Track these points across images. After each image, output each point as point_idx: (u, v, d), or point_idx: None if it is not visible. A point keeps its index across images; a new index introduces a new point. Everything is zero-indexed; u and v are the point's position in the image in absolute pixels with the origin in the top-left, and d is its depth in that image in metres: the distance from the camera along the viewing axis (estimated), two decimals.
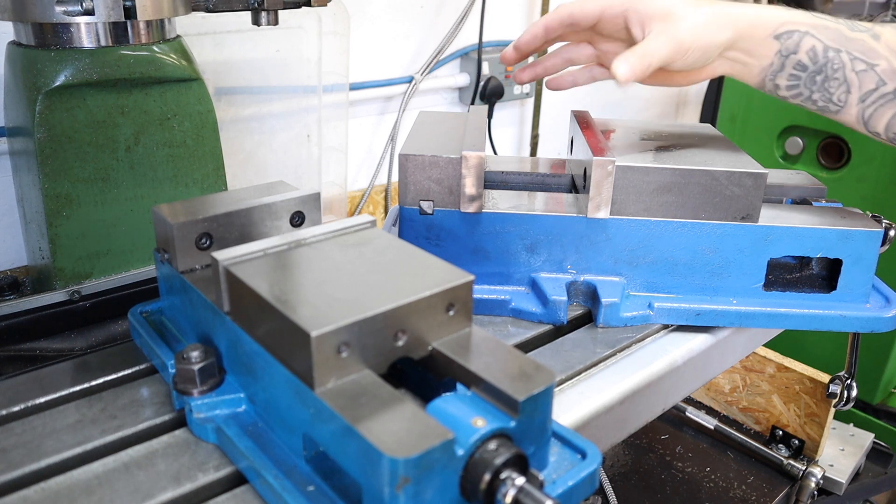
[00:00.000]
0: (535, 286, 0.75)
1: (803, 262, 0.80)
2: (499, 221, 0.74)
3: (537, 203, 0.77)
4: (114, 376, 0.62)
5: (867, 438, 1.39)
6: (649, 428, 1.32)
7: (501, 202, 0.76)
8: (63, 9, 0.70)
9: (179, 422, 0.56)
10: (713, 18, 0.70)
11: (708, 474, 1.23)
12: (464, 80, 1.54)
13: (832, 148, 1.70)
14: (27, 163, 0.77)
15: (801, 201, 0.83)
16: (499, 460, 0.42)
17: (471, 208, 0.73)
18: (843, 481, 1.26)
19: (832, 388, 0.98)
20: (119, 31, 0.74)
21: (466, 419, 0.43)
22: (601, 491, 1.14)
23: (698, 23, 0.69)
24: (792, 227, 0.73)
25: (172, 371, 0.57)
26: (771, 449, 1.24)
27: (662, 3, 0.70)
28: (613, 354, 0.70)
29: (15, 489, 0.49)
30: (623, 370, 0.67)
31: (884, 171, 1.60)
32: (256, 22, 0.87)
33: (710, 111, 2.02)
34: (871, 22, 0.72)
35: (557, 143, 1.83)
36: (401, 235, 0.75)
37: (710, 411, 1.34)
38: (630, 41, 0.74)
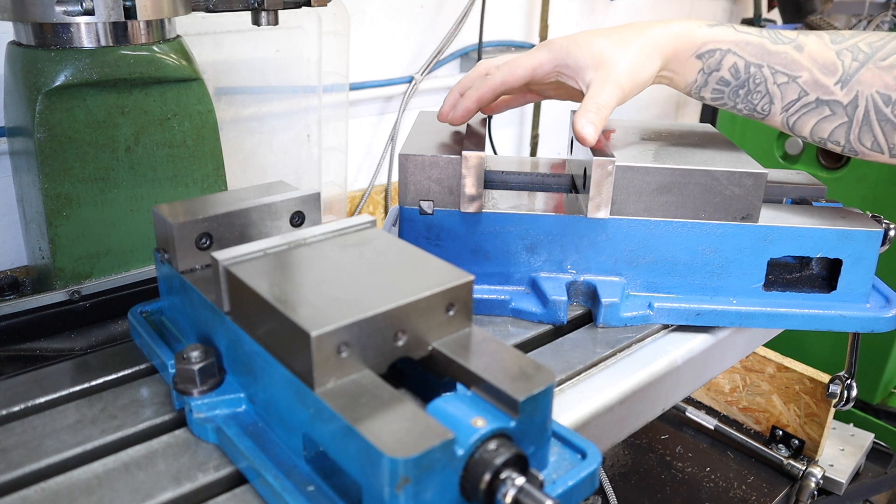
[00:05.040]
0: (535, 286, 0.75)
1: (803, 262, 0.79)
2: (499, 221, 0.74)
3: (537, 203, 0.77)
4: (114, 376, 0.62)
5: (867, 438, 1.39)
6: (649, 428, 1.32)
7: (501, 202, 0.76)
8: (63, 9, 0.70)
9: (179, 422, 0.56)
10: (642, 53, 0.72)
11: (708, 474, 1.23)
12: None
13: None
14: (27, 163, 0.77)
15: (801, 201, 0.83)
16: (499, 460, 0.42)
17: (471, 208, 0.73)
18: (843, 481, 1.26)
19: (832, 388, 0.98)
20: (119, 31, 0.74)
21: (466, 419, 0.43)
22: (601, 491, 1.14)
23: (631, 63, 0.71)
24: (792, 227, 0.73)
25: (172, 371, 0.57)
26: (771, 449, 1.24)
27: (590, 51, 0.72)
28: (613, 354, 0.70)
29: (15, 489, 0.49)
30: (623, 370, 0.67)
31: (884, 171, 1.60)
32: (256, 22, 0.87)
33: (710, 111, 2.02)
34: (853, 29, 0.73)
35: (557, 143, 1.83)
36: (401, 235, 0.75)
37: (710, 411, 1.34)
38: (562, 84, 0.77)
